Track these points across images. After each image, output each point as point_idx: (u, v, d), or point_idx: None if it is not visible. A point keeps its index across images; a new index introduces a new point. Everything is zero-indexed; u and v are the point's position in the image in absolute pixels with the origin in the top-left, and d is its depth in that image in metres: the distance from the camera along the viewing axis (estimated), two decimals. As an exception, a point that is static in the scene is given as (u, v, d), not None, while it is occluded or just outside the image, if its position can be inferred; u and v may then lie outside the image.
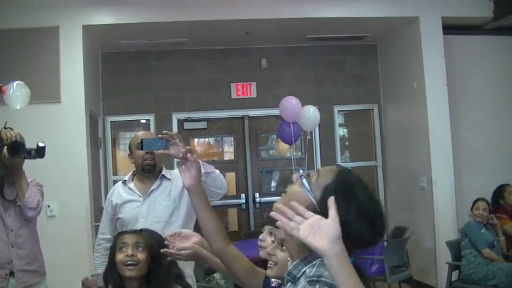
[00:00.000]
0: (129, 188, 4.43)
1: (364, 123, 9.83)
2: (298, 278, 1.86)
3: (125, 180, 4.51)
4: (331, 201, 1.67)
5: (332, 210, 1.65)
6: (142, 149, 3.64)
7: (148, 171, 4.34)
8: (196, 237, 3.01)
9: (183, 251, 2.92)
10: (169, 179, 4.32)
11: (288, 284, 1.92)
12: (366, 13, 7.85)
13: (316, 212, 1.71)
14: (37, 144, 4.47)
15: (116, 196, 4.45)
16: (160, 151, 3.22)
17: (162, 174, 4.34)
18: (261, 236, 2.85)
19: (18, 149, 4.35)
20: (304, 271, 1.84)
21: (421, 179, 8.14)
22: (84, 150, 7.21)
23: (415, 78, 8.18)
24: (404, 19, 8.07)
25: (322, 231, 1.62)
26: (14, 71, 7.00)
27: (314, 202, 1.82)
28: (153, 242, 3.27)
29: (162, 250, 2.98)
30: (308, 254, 1.84)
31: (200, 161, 3.80)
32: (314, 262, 1.83)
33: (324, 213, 1.67)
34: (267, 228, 2.85)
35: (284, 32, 8.51)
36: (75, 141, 7.16)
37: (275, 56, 9.25)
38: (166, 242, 2.97)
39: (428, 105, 7.93)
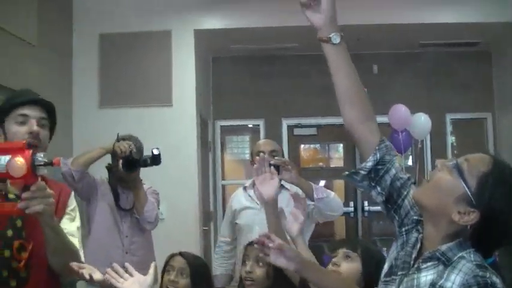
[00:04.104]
0: (249, 195, 4.46)
1: (476, 132, 9.45)
2: (455, 261, 1.75)
3: (246, 187, 4.54)
4: None
5: None
6: None
7: None
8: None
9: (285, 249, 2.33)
10: (288, 189, 4.27)
11: (430, 263, 1.80)
12: (481, 18, 7.53)
13: (469, 202, 1.64)
14: (152, 152, 4.49)
15: (236, 202, 4.51)
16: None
17: (282, 184, 4.29)
18: (334, 260, 2.71)
19: (133, 165, 4.39)
20: (462, 256, 1.75)
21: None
22: (195, 153, 7.25)
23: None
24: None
25: None
26: (127, 74, 7.17)
27: (468, 192, 1.70)
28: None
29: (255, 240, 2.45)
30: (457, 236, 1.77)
31: (313, 185, 3.76)
32: (468, 250, 1.75)
33: (479, 204, 1.62)
34: (341, 251, 2.71)
35: (396, 38, 8.32)
36: (186, 144, 7.20)
37: (386, 62, 9.05)
38: (260, 240, 2.36)
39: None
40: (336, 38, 2.06)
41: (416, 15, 7.48)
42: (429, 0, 7.38)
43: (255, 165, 2.90)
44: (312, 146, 9.55)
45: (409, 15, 7.47)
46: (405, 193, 2.00)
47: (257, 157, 3.53)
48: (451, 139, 9.34)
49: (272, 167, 2.96)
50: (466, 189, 1.71)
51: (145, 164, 4.45)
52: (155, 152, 4.46)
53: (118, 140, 4.53)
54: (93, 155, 4.54)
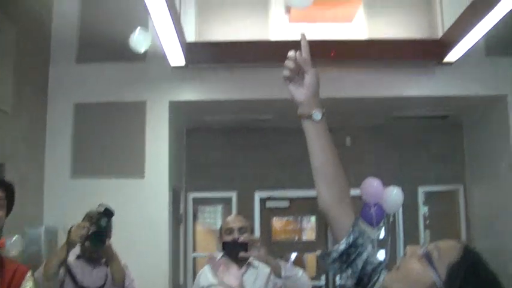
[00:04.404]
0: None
1: (448, 204, 9.51)
2: None
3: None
4: None
5: None
6: None
7: None
8: None
9: None
10: (255, 267, 4.24)
11: None
12: (452, 92, 7.68)
13: None
14: (101, 212, 4.36)
15: (203, 279, 4.45)
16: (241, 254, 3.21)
17: (249, 262, 4.26)
18: None
19: (97, 240, 4.27)
20: None
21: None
22: (166, 226, 7.20)
23: (503, 158, 7.89)
24: (492, 97, 7.84)
25: None
26: (100, 144, 7.16)
27: (439, 282, 1.68)
28: None
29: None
30: None
31: (281, 263, 3.77)
32: None
33: None
34: None
35: (368, 110, 8.44)
36: (157, 217, 7.14)
37: (359, 134, 9.16)
38: None
39: (517, 187, 7.63)
40: (317, 115, 2.00)
41: (389, 89, 7.61)
42: (401, 75, 7.54)
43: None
44: (284, 218, 9.52)
45: (381, 88, 7.60)
46: (376, 278, 1.95)
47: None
48: (423, 211, 9.37)
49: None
50: (436, 279, 1.68)
51: (105, 229, 4.34)
52: (101, 209, 4.37)
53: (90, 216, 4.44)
54: (60, 256, 4.34)
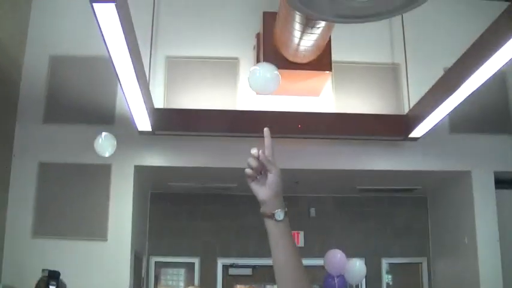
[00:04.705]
0: None
1: (412, 275, 9.49)
2: None
3: None
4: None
5: None
6: None
7: None
8: None
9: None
10: None
11: None
12: (417, 166, 7.78)
13: None
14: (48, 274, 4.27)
15: None
16: None
17: None
18: None
19: None
20: None
21: None
22: (127, 290, 7.09)
23: (466, 232, 7.96)
24: (456, 173, 7.96)
25: None
26: (64, 205, 7.10)
27: None
28: None
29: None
30: None
31: None
32: None
33: None
34: None
35: (333, 182, 8.51)
36: (119, 280, 7.04)
37: (324, 205, 9.20)
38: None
39: (480, 262, 7.62)
40: (279, 215, 1.96)
41: (355, 162, 7.68)
42: (368, 149, 7.63)
43: None
44: (247, 286, 9.44)
45: (348, 161, 7.66)
46: None
47: None
48: (386, 283, 9.35)
49: None
50: None
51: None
52: (46, 274, 4.30)
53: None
54: None
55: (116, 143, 6.12)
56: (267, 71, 4.82)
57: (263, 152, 1.94)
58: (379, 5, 2.63)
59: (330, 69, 6.80)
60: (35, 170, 7.22)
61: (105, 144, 6.02)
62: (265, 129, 1.96)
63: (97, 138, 6.03)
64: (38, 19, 7.62)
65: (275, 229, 1.98)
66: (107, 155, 6.12)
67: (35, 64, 7.46)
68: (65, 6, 7.50)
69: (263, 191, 1.96)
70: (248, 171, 1.95)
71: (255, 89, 4.71)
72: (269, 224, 1.98)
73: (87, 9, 3.86)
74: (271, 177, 1.94)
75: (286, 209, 1.97)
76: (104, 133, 6.03)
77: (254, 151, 1.94)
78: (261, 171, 1.96)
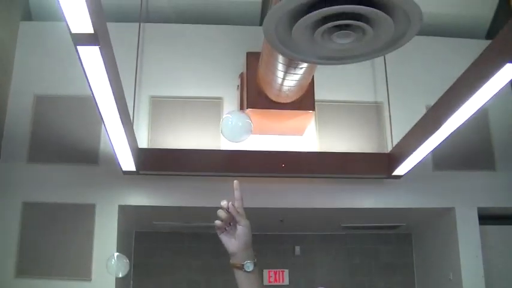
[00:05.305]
0: None
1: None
2: None
3: None
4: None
5: None
6: None
7: None
8: None
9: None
10: None
11: None
12: (401, 204, 7.80)
13: None
14: None
15: None
16: None
17: None
18: None
19: None
20: None
21: None
22: (111, 332, 7.02)
23: (451, 269, 7.97)
24: (440, 210, 8.00)
25: None
26: (47, 245, 7.06)
27: None
28: None
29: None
30: None
31: None
32: None
33: None
34: None
35: (318, 220, 8.51)
36: (103, 322, 6.98)
37: (309, 243, 9.18)
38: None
39: (465, 298, 7.66)
40: (249, 266, 1.98)
41: (339, 200, 7.70)
42: (351, 187, 7.66)
43: None
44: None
45: (332, 200, 7.68)
46: None
47: None
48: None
49: None
50: None
51: None
52: None
53: None
54: None
55: (128, 261, 6.31)
56: (239, 119, 4.78)
57: (233, 204, 1.97)
58: (360, 47, 2.68)
59: (313, 109, 6.83)
60: (19, 209, 7.18)
61: (118, 265, 6.10)
62: (235, 182, 2.01)
63: (109, 259, 6.14)
64: (23, 58, 7.66)
65: (245, 280, 1.99)
66: (120, 275, 6.22)
67: (20, 103, 7.47)
68: (50, 46, 7.52)
69: (232, 242, 2.01)
70: (218, 222, 1.99)
71: (227, 137, 4.69)
72: (239, 275, 2.00)
73: (72, 49, 3.89)
74: (241, 229, 1.99)
75: (255, 260, 1.99)
76: (115, 254, 6.17)
77: (224, 203, 1.97)
78: (230, 222, 2.00)
